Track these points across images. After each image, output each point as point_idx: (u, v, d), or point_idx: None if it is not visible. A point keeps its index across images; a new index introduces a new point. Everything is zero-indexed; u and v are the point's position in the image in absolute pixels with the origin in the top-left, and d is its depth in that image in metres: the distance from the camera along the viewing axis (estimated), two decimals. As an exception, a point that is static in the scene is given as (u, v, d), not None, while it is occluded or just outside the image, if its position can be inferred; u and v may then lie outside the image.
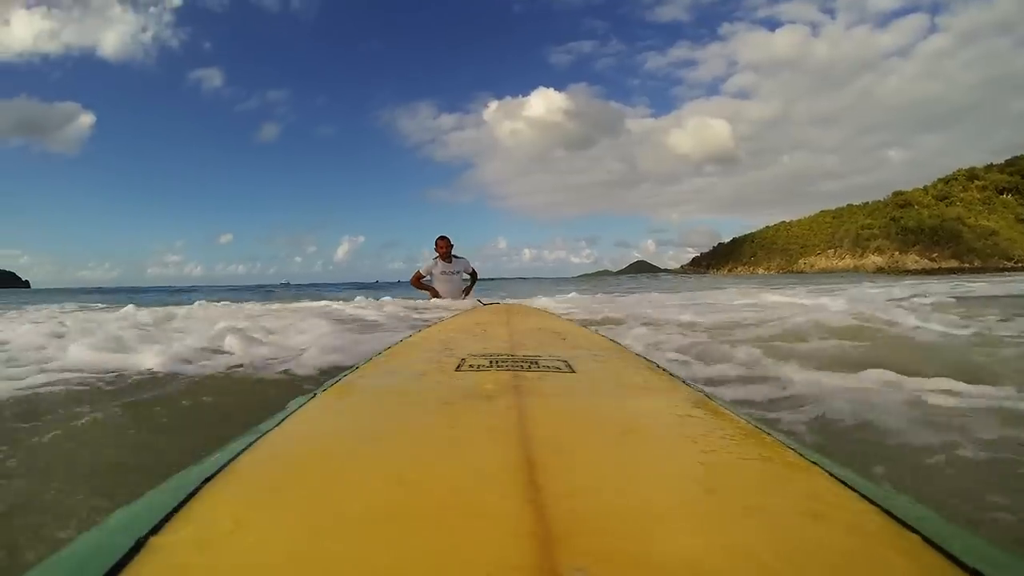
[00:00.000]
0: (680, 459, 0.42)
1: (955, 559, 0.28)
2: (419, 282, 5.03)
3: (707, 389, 0.69)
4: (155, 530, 0.30)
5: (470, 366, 0.72)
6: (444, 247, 4.87)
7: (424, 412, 0.54)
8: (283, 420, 0.52)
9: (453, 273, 4.92)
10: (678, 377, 0.76)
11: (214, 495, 0.35)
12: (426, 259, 5.05)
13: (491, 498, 0.31)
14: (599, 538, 0.27)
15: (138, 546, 0.29)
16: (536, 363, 0.74)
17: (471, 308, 1.80)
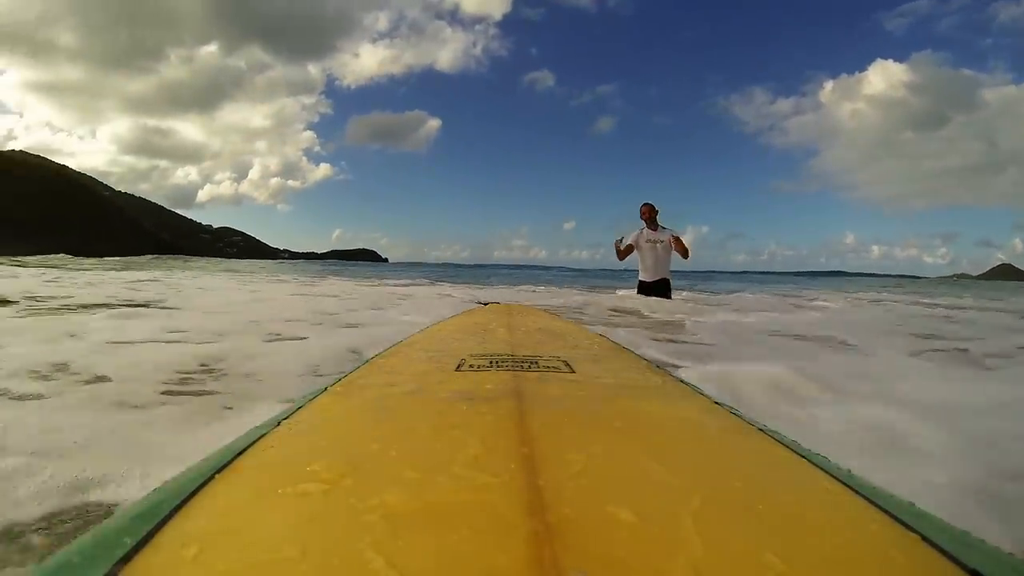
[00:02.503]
0: (681, 460, 0.42)
1: (955, 559, 0.28)
2: (622, 252, 4.88)
3: (707, 389, 0.69)
4: (156, 530, 0.30)
5: (470, 366, 0.72)
6: (648, 213, 4.76)
7: (424, 412, 0.54)
8: (283, 420, 0.52)
9: (658, 242, 4.77)
10: (677, 377, 0.76)
11: (214, 495, 0.35)
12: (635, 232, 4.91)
13: (491, 498, 0.31)
14: (601, 540, 0.28)
15: (139, 545, 0.29)
16: (536, 363, 0.74)
17: (473, 308, 1.80)
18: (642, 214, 4.83)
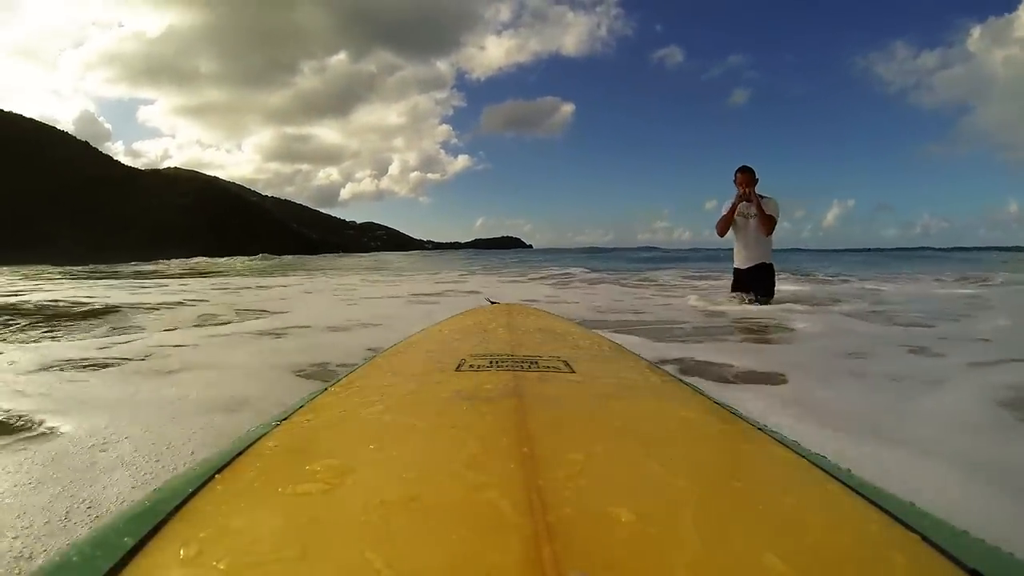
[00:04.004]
0: (681, 460, 0.42)
1: (955, 559, 0.28)
2: (721, 224, 3.79)
3: (706, 389, 0.69)
4: (156, 530, 0.30)
5: (470, 366, 0.72)
6: (745, 181, 3.64)
7: (424, 412, 0.54)
8: (284, 420, 0.52)
9: (752, 216, 3.67)
10: (677, 378, 0.76)
11: (214, 495, 0.35)
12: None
13: (491, 498, 0.31)
14: (601, 540, 0.28)
15: (139, 545, 0.29)
16: (536, 363, 0.74)
17: (474, 308, 1.80)
18: (737, 183, 3.65)
